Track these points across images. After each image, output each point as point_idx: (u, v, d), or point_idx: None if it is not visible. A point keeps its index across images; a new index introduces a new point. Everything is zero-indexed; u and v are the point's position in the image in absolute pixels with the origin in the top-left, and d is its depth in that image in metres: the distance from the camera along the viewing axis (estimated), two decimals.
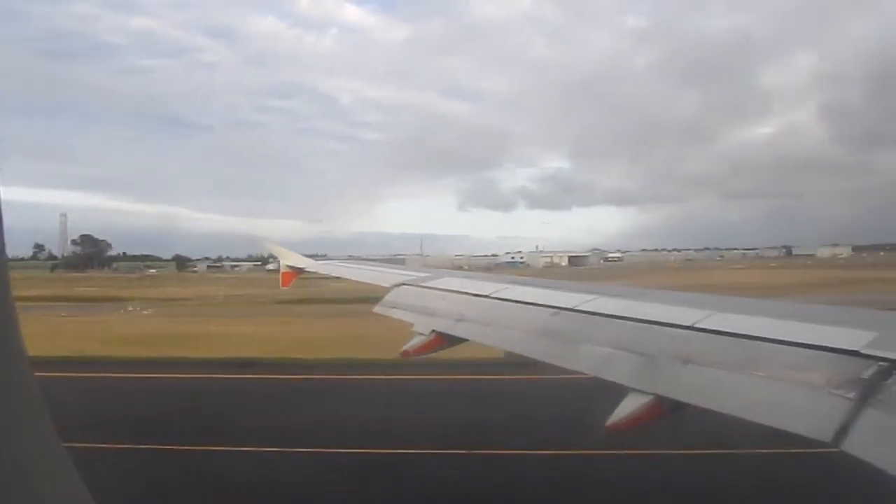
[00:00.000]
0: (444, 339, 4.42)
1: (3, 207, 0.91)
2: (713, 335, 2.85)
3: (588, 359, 3.24)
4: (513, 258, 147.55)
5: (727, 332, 2.81)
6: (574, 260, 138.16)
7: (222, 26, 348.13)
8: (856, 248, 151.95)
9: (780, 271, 78.80)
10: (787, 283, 51.18)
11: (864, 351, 2.26)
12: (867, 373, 2.14)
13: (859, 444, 1.93)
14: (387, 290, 5.91)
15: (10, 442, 1.01)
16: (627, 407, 2.69)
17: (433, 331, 4.49)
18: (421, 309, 5.07)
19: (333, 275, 8.93)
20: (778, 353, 2.51)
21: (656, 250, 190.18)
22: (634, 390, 2.74)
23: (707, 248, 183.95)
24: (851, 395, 2.08)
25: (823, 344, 2.40)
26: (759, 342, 2.63)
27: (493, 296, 4.66)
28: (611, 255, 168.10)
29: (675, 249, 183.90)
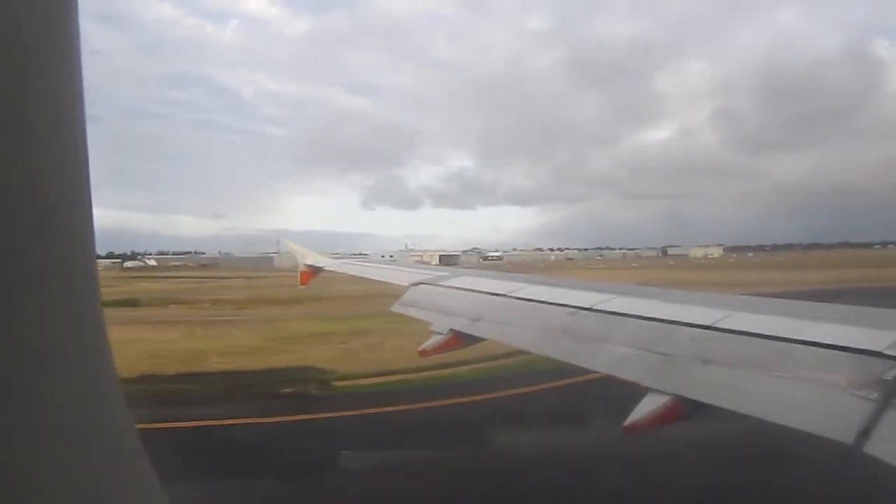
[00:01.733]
0: (462, 339, 4.44)
1: None
2: (733, 335, 2.85)
3: (606, 358, 3.25)
4: (383, 257, 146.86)
5: (747, 332, 2.81)
6: (445, 259, 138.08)
7: (113, 12, 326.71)
8: (728, 249, 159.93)
9: (634, 271, 77.11)
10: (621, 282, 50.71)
11: (886, 352, 2.24)
12: (890, 374, 2.13)
13: (882, 446, 1.92)
14: (405, 289, 5.91)
15: (98, 453, 1.01)
16: (646, 407, 2.69)
17: (451, 330, 4.51)
18: (438, 308, 5.10)
19: (352, 274, 8.88)
20: (798, 354, 2.50)
21: (542, 250, 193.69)
22: (653, 390, 2.73)
23: (599, 248, 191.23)
24: (874, 396, 2.07)
25: (845, 344, 2.40)
26: (780, 342, 2.63)
27: (510, 295, 4.69)
28: (491, 253, 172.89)
29: (565, 248, 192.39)
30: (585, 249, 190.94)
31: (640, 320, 3.41)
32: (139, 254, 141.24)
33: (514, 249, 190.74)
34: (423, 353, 4.57)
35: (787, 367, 2.46)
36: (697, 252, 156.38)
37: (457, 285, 5.57)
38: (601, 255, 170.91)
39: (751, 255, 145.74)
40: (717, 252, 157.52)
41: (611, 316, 3.62)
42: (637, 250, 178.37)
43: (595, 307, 3.79)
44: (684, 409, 2.63)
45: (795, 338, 2.59)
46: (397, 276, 6.87)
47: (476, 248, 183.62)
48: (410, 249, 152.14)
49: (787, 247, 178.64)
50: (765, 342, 2.68)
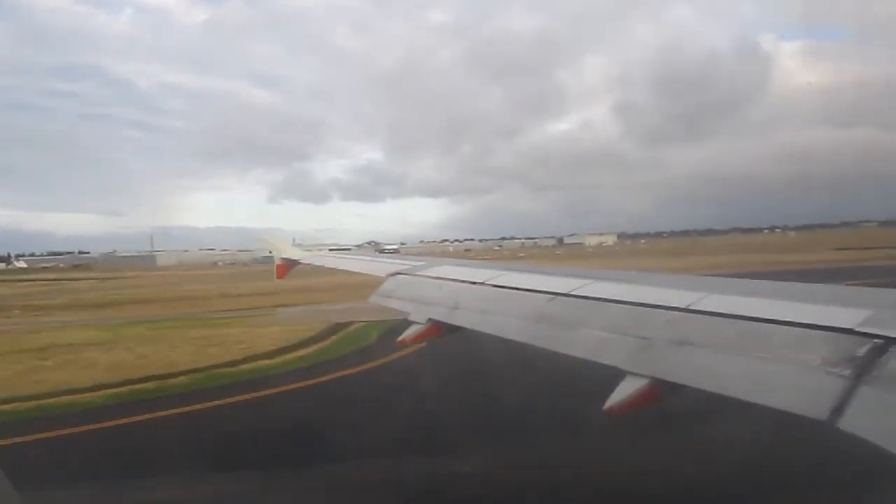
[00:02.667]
0: (441, 328, 4.42)
1: None
2: (708, 316, 2.88)
3: (584, 343, 3.27)
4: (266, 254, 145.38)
5: (722, 314, 2.84)
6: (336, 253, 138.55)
7: None
8: (624, 237, 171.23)
9: (519, 261, 78.77)
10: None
11: (858, 329, 2.27)
12: (862, 350, 2.16)
13: (855, 422, 1.96)
14: (382, 279, 5.82)
15: None
16: (624, 391, 2.71)
17: (429, 319, 4.49)
18: (416, 298, 5.05)
19: (328, 266, 8.73)
20: (773, 333, 2.53)
21: (449, 241, 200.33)
22: (631, 373, 2.76)
23: (504, 238, 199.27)
24: (847, 373, 2.11)
25: (818, 323, 2.43)
26: (754, 322, 2.65)
27: (488, 283, 4.67)
28: (388, 246, 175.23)
29: (472, 239, 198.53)
30: (491, 240, 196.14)
31: (617, 304, 3.43)
32: (9, 255, 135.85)
33: (421, 241, 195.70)
34: (402, 343, 4.53)
35: (762, 347, 2.49)
36: (592, 240, 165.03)
37: (435, 274, 5.53)
38: (500, 246, 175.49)
39: (642, 242, 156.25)
40: (611, 240, 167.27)
41: (588, 301, 3.64)
42: (536, 240, 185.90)
43: (573, 293, 3.81)
44: (662, 392, 2.67)
45: (770, 318, 2.61)
46: (374, 266, 6.78)
47: (373, 242, 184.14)
48: (299, 244, 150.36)
49: (685, 233, 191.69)
50: (740, 323, 2.71)
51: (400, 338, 4.57)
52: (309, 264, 9.72)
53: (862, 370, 2.09)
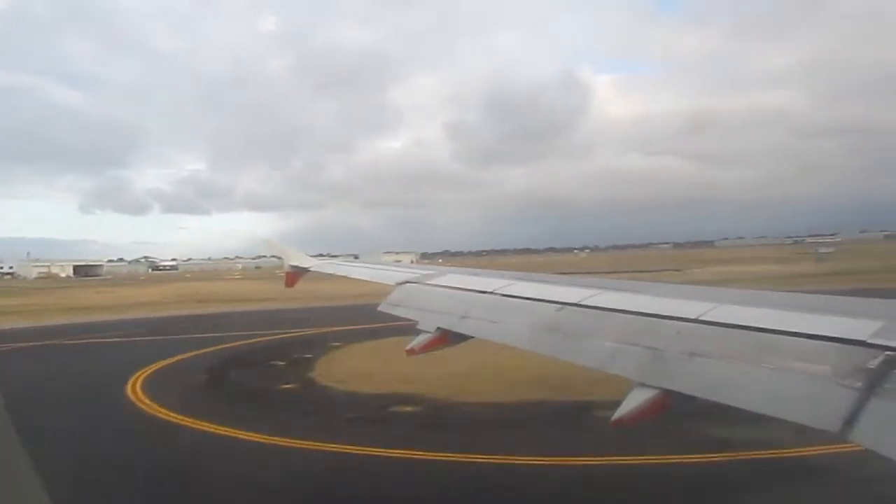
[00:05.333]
0: (449, 337, 4.43)
1: None
2: (718, 327, 2.86)
3: (594, 354, 3.26)
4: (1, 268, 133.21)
5: (732, 325, 2.82)
6: (82, 269, 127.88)
7: None
8: (429, 256, 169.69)
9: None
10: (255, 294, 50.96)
11: (870, 340, 2.25)
12: (874, 362, 2.14)
13: (866, 434, 1.93)
14: (391, 288, 5.74)
15: None
16: (633, 401, 2.70)
17: (438, 328, 4.48)
18: (425, 306, 5.00)
19: (339, 274, 8.62)
20: (784, 345, 2.50)
21: (265, 257, 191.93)
22: (641, 384, 2.75)
23: (329, 254, 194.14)
24: (858, 384, 2.09)
25: (829, 334, 2.40)
26: (765, 334, 2.63)
27: (497, 292, 4.65)
28: (164, 263, 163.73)
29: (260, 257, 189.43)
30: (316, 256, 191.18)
31: (627, 315, 3.42)
32: None
33: (237, 258, 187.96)
34: (411, 352, 4.51)
35: (773, 358, 2.47)
36: (389, 258, 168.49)
37: (443, 283, 5.50)
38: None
39: (440, 261, 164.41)
40: (408, 258, 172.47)
41: (598, 311, 3.63)
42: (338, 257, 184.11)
43: (582, 303, 3.80)
44: (671, 403, 2.67)
45: (781, 329, 2.60)
46: (383, 274, 6.67)
47: (146, 257, 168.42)
48: (36, 260, 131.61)
49: (502, 252, 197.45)
50: (750, 334, 2.69)
51: (409, 346, 4.54)
52: (319, 272, 9.41)
53: (874, 382, 2.07)
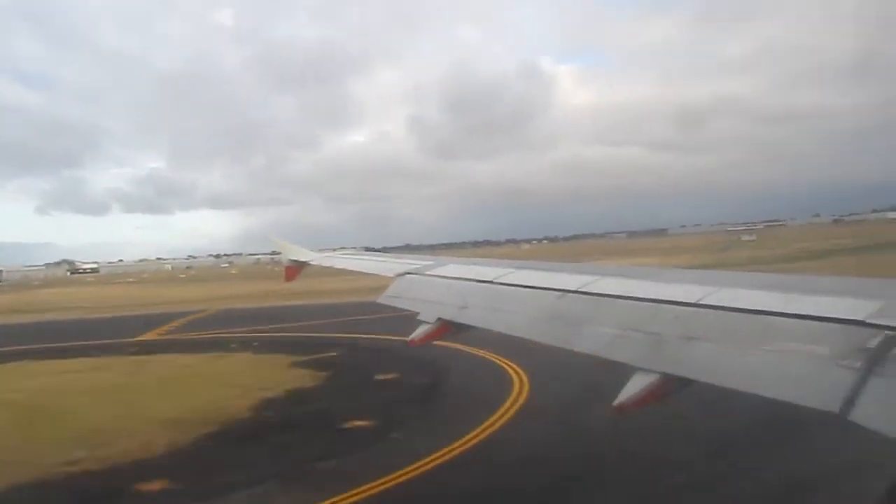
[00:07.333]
0: (450, 327, 4.43)
1: None
2: (717, 311, 2.86)
3: (594, 340, 3.26)
4: None
5: (731, 308, 2.82)
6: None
7: None
8: (386, 251, 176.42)
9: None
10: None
11: (869, 320, 2.25)
12: (873, 342, 2.14)
13: (866, 414, 1.94)
14: (390, 280, 5.75)
15: None
16: (634, 386, 2.70)
17: (439, 319, 4.48)
18: (425, 297, 4.98)
19: (337, 267, 8.58)
20: (783, 326, 2.51)
21: (219, 256, 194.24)
22: (641, 369, 2.76)
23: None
24: (858, 364, 2.09)
25: (828, 315, 2.40)
26: (764, 316, 2.63)
27: (496, 281, 4.65)
28: (84, 266, 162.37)
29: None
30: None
31: (626, 300, 3.43)
32: None
33: (191, 257, 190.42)
34: (412, 344, 4.52)
35: (772, 340, 2.48)
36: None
37: (443, 273, 5.48)
38: (229, 262, 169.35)
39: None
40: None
41: (598, 298, 3.64)
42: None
43: (582, 289, 3.81)
44: (672, 387, 2.68)
45: (779, 311, 2.60)
46: (382, 266, 6.66)
47: (66, 260, 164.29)
48: None
49: (461, 245, 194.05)
50: (749, 317, 2.70)
51: (410, 338, 4.54)
52: (318, 265, 9.53)
53: (873, 361, 2.07)
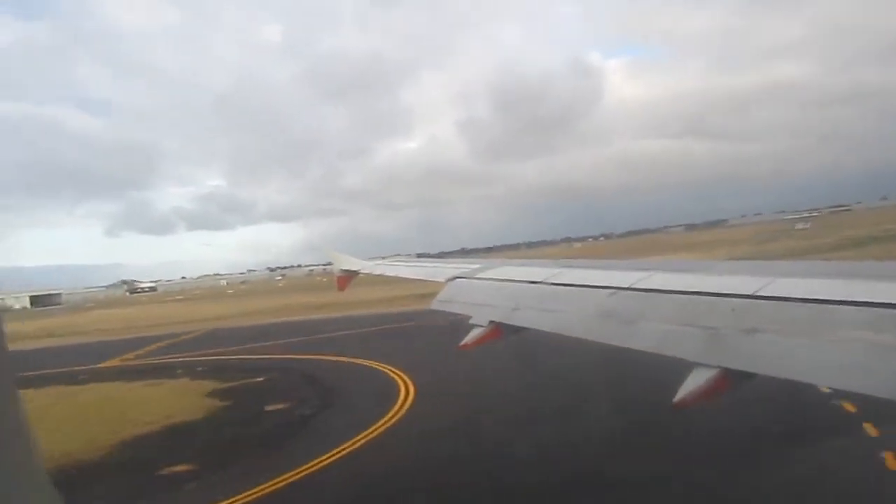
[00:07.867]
0: (502, 330, 4.42)
1: None
2: (776, 301, 2.80)
3: (648, 336, 3.22)
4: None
5: (791, 298, 2.76)
6: (40, 300, 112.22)
7: None
8: (423, 255, 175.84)
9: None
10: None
11: None
12: None
13: None
14: (441, 285, 5.82)
15: None
16: (693, 382, 2.66)
17: (491, 322, 4.48)
18: (476, 301, 5.02)
19: (388, 274, 8.81)
20: (845, 315, 2.44)
21: (274, 269, 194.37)
22: (699, 365, 2.71)
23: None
24: None
25: (892, 301, 2.33)
26: (825, 305, 2.57)
27: (547, 281, 4.66)
28: (142, 285, 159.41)
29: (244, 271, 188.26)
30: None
31: (680, 295, 3.38)
32: None
33: (250, 271, 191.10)
34: (464, 347, 4.53)
35: (834, 329, 2.41)
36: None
37: (493, 276, 5.51)
38: (282, 275, 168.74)
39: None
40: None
41: (651, 293, 3.60)
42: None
43: (634, 286, 3.77)
44: (732, 382, 2.63)
45: (840, 299, 2.54)
46: (433, 272, 6.77)
47: (124, 280, 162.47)
48: None
49: (516, 246, 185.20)
50: (809, 306, 2.63)
51: (462, 342, 4.54)
52: (369, 273, 9.77)
53: None
